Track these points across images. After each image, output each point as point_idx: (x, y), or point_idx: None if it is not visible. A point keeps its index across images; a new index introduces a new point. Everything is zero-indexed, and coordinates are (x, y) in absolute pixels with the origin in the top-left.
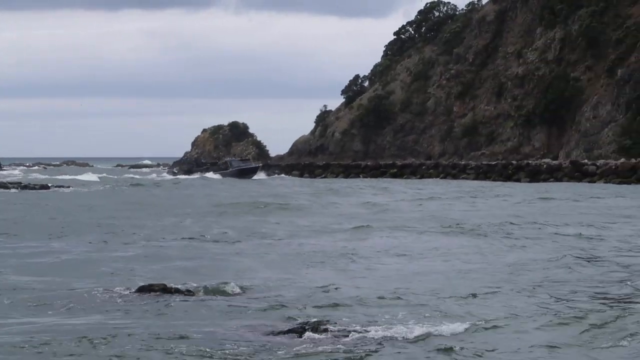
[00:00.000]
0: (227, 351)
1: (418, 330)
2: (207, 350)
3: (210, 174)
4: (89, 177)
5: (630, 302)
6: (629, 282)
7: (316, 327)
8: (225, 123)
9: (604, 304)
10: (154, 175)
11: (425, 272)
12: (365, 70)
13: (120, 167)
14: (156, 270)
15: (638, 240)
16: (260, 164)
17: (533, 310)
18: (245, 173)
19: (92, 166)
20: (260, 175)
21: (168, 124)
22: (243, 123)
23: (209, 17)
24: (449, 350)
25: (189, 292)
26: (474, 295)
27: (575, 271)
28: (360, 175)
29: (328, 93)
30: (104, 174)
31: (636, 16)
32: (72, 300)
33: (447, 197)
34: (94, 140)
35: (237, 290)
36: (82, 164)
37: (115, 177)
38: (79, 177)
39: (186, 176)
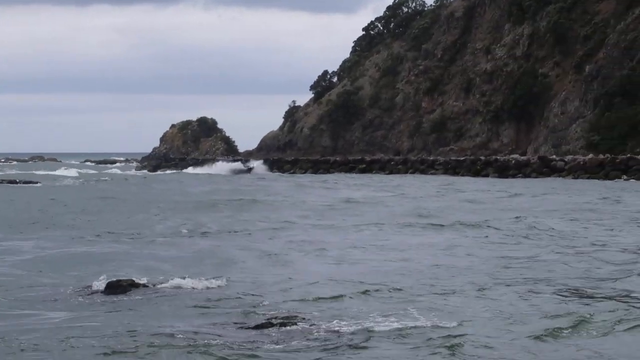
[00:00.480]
0: (193, 346)
1: (390, 325)
2: (173, 345)
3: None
4: (69, 172)
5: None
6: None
7: (286, 322)
8: (194, 118)
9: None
10: (125, 171)
11: (399, 267)
12: (334, 65)
13: (89, 163)
14: (128, 265)
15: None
16: (253, 165)
17: (512, 305)
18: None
19: (60, 162)
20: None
21: (136, 119)
22: (212, 118)
23: (178, 13)
24: (420, 345)
25: (157, 287)
26: (452, 291)
27: (552, 266)
28: (330, 171)
29: (297, 89)
30: (85, 170)
31: (604, 12)
32: (38, 297)
33: (421, 193)
34: (62, 135)
35: (208, 285)
36: (50, 160)
37: (96, 172)
38: (57, 172)
39: (155, 172)
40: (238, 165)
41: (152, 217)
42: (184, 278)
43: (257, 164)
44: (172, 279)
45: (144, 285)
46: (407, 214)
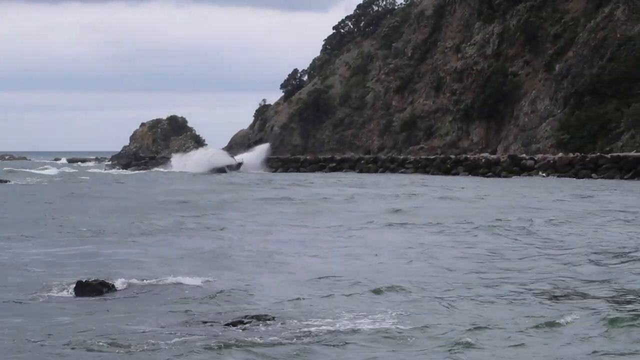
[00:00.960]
0: (163, 346)
1: (358, 324)
2: (141, 345)
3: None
4: (50, 171)
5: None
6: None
7: (257, 321)
8: (164, 117)
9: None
10: (94, 169)
11: (369, 265)
12: (304, 64)
13: (58, 161)
14: (97, 264)
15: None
16: (241, 161)
17: (478, 303)
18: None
19: (30, 160)
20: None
21: (107, 117)
22: (182, 117)
23: (149, 11)
24: (392, 343)
25: (126, 287)
26: (421, 289)
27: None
28: (300, 170)
29: (267, 87)
30: (63, 169)
31: (574, 11)
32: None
33: (388, 192)
34: (32, 134)
35: (178, 283)
36: (19, 158)
37: (76, 171)
38: (37, 170)
39: (125, 170)
40: (222, 158)
41: (122, 215)
42: (160, 277)
43: (250, 156)
44: (143, 278)
45: (114, 286)
46: (382, 212)
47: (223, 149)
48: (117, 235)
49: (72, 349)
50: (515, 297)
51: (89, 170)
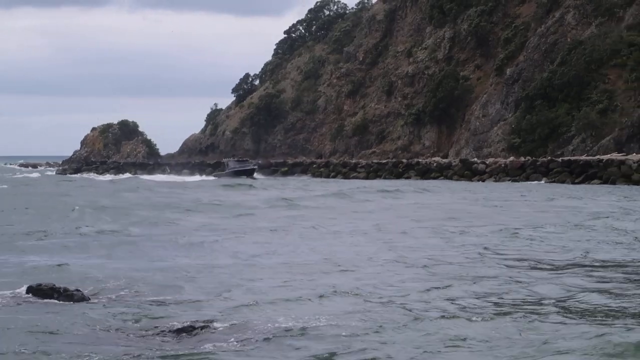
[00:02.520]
0: (111, 353)
1: (300, 327)
2: (87, 354)
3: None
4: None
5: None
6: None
7: (205, 327)
8: (115, 121)
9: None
10: (47, 173)
11: (318, 271)
12: (257, 69)
13: (8, 166)
14: (49, 270)
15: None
16: (256, 166)
17: (433, 307)
18: (242, 174)
19: None
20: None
21: (58, 122)
22: (133, 121)
23: (103, 15)
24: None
25: (76, 292)
26: (369, 293)
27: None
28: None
29: (219, 91)
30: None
31: (524, 16)
32: None
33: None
34: None
35: (127, 291)
36: None
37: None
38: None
39: (75, 175)
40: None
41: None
42: (110, 284)
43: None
44: (95, 284)
45: (65, 291)
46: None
47: (175, 153)
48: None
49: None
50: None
51: (46, 174)
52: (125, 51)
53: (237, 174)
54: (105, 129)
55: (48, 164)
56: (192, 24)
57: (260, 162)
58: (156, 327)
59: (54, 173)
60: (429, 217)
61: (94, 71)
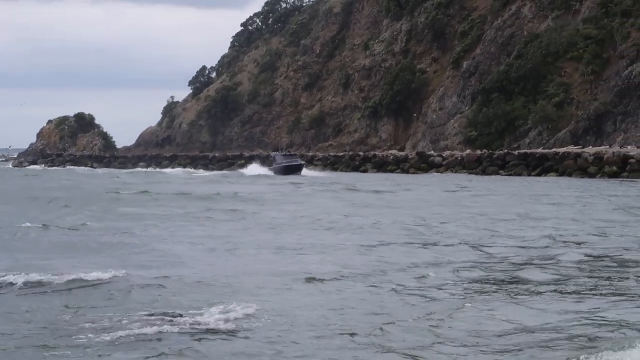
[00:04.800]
0: (78, 343)
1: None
2: (52, 344)
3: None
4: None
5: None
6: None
7: (170, 318)
8: (71, 114)
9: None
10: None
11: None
12: (214, 61)
13: None
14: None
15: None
16: (304, 161)
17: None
18: (291, 170)
19: None
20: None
21: (13, 114)
22: (89, 114)
23: (63, 8)
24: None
25: (39, 284)
26: (316, 279)
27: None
28: (209, 167)
29: (176, 84)
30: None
31: (481, 9)
32: None
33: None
34: None
35: (97, 278)
36: None
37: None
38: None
39: (33, 166)
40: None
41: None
42: (76, 273)
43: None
44: (59, 274)
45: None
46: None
47: (131, 146)
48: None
49: None
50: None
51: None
52: (84, 43)
53: (286, 170)
54: (61, 121)
55: (3, 157)
56: (152, 17)
57: (217, 154)
58: None
59: (10, 166)
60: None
61: (51, 63)
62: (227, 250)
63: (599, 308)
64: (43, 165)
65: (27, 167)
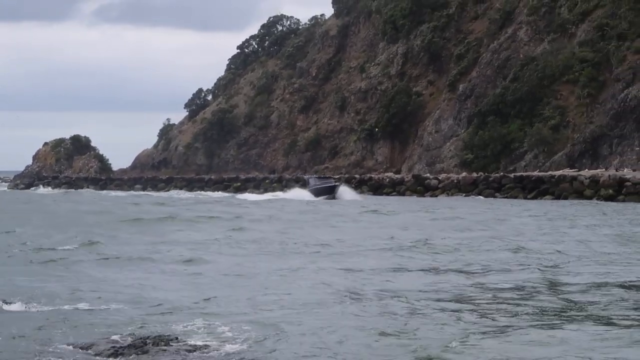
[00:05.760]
0: None
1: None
2: None
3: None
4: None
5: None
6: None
7: (157, 342)
8: (68, 136)
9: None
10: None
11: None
12: (210, 84)
13: None
14: None
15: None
16: (338, 183)
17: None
18: (324, 192)
19: None
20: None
21: (10, 136)
22: (85, 136)
23: (62, 30)
24: None
25: (26, 308)
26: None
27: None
28: (204, 189)
29: (173, 107)
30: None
31: (477, 32)
32: None
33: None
34: None
35: (76, 304)
36: None
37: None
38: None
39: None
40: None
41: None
42: (58, 297)
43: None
44: (39, 298)
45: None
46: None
47: (127, 168)
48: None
49: None
50: None
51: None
52: (81, 66)
53: (319, 192)
54: (57, 143)
55: (1, 179)
56: (151, 39)
57: (213, 177)
58: None
59: (6, 188)
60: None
61: (49, 86)
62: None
63: None
64: (50, 188)
65: (37, 191)
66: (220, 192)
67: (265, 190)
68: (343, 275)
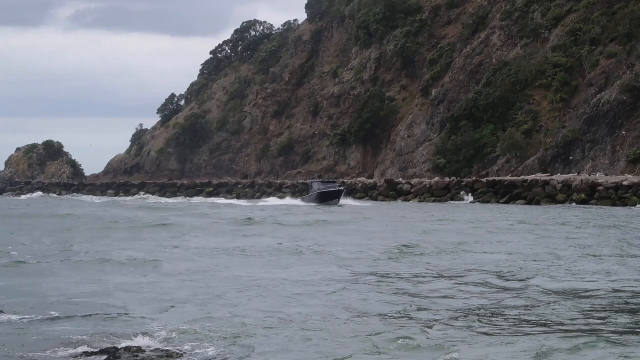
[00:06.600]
0: None
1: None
2: None
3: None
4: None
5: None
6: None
7: (129, 349)
8: (40, 142)
9: None
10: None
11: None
12: (184, 89)
13: None
14: None
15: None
16: (343, 186)
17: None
18: (328, 198)
19: None
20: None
21: None
22: (58, 142)
23: (37, 36)
24: None
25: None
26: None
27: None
28: (177, 194)
29: (146, 112)
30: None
31: (450, 37)
32: None
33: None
34: None
35: (47, 313)
36: None
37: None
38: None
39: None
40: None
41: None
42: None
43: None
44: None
45: None
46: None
47: (100, 174)
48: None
49: None
50: None
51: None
52: (57, 71)
53: (323, 198)
54: (30, 149)
55: None
56: (127, 45)
57: (185, 182)
58: None
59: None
60: None
61: (23, 91)
62: None
63: None
64: (40, 193)
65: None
66: (235, 199)
67: (238, 196)
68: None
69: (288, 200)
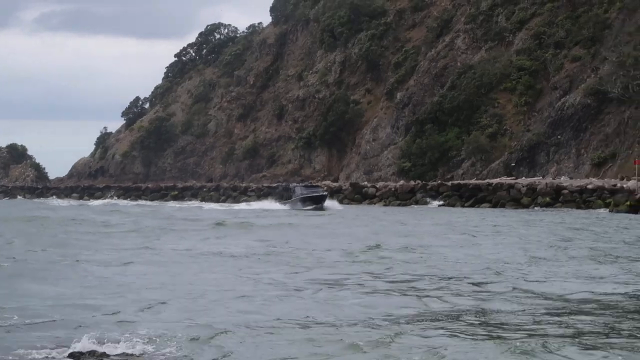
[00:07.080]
0: None
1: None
2: None
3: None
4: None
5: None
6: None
7: (93, 354)
8: (4, 145)
9: None
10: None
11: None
12: (148, 92)
13: None
14: None
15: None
16: (327, 192)
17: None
18: (313, 202)
19: None
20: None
21: None
22: (22, 145)
23: (1, 38)
24: None
25: None
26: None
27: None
28: (142, 198)
29: (110, 115)
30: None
31: (415, 40)
32: None
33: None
34: None
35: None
36: None
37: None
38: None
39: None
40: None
41: None
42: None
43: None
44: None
45: None
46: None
47: (64, 177)
48: None
49: None
50: None
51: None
52: (21, 74)
53: (305, 202)
54: None
55: None
56: (91, 47)
57: (150, 185)
58: None
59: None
60: None
61: None
62: None
63: None
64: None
65: None
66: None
67: (203, 199)
68: None
69: (269, 204)
